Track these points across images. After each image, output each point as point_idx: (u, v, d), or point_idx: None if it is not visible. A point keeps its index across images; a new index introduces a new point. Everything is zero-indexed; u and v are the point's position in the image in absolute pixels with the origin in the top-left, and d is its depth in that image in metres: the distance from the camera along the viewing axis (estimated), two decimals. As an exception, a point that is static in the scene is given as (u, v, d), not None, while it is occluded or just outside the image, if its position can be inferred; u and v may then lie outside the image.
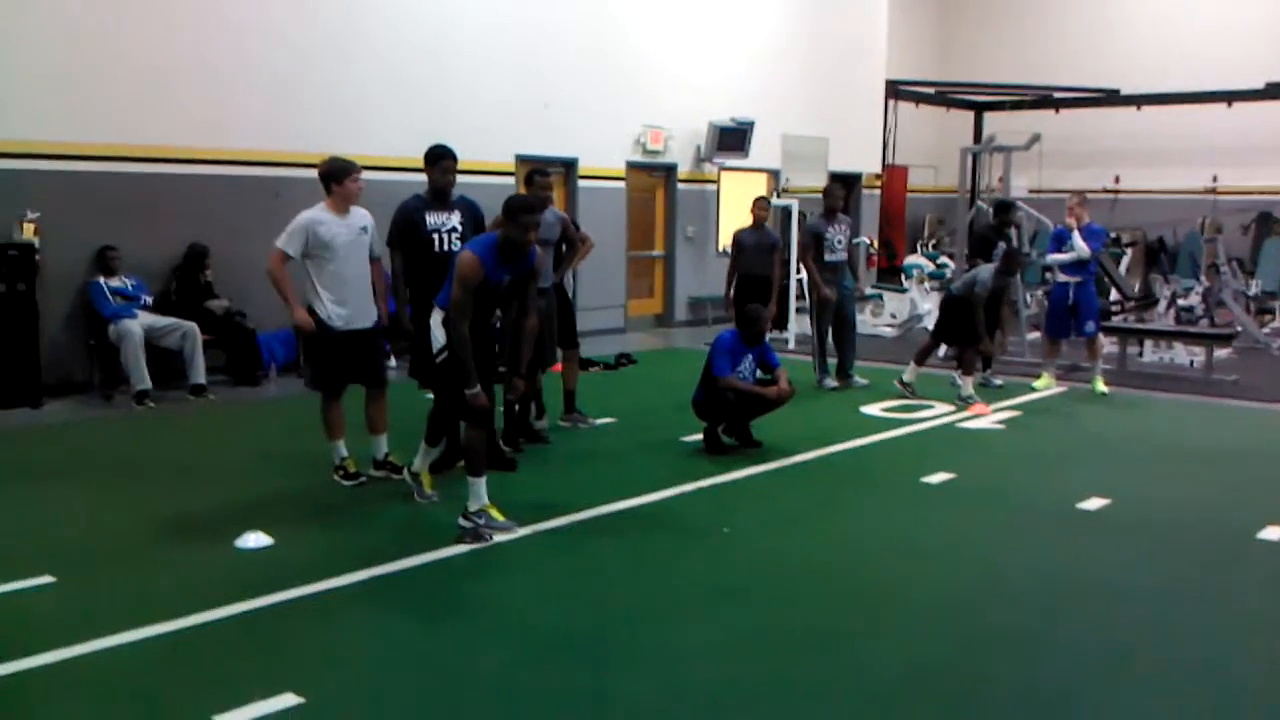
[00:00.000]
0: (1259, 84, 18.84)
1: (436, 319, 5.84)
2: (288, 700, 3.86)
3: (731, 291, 10.47)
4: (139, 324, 9.50)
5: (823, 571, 5.45)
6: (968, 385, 9.74)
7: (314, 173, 6.77)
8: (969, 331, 9.73)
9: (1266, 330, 14.50)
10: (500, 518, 5.87)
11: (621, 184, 14.86)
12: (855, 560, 5.66)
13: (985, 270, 9.81)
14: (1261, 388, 10.82)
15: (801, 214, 13.45)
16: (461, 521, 5.78)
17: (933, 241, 20.35)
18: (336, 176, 6.61)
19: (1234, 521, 6.29)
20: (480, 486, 5.82)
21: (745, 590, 5.17)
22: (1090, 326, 10.47)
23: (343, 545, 5.70)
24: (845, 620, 4.80)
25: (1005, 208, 11.55)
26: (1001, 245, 10.68)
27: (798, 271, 13.04)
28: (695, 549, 5.81)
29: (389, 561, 5.36)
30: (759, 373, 7.95)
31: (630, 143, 14.87)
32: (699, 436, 7.97)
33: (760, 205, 10.70)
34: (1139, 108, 20.36)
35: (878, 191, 20.17)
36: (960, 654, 4.45)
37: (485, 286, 5.68)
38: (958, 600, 5.07)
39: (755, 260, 10.42)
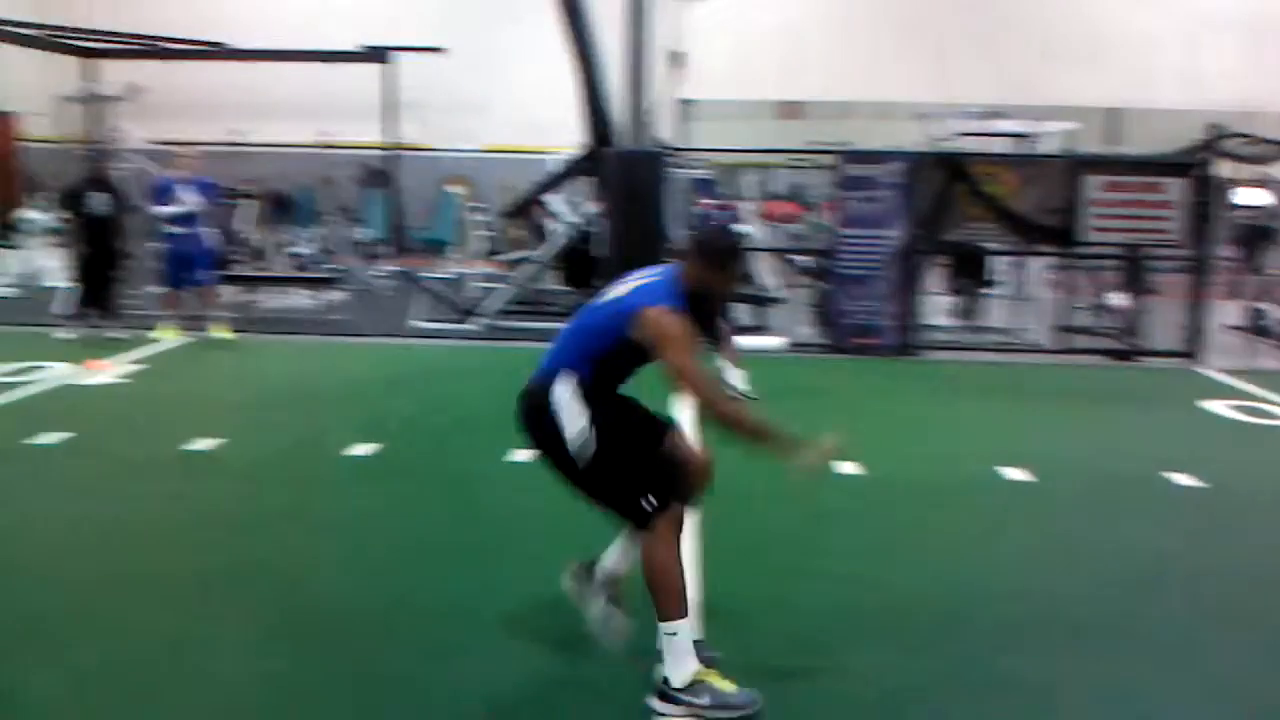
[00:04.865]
0: (358, 46, 20.47)
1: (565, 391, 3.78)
2: None
3: None
4: None
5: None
6: (71, 333, 9.75)
7: None
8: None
9: (378, 273, 16.05)
10: (729, 687, 3.69)
11: None
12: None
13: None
14: (367, 324, 12.13)
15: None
16: (657, 706, 3.69)
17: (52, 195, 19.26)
18: None
19: (323, 446, 7.08)
20: (684, 633, 3.69)
21: None
22: (204, 275, 10.83)
23: None
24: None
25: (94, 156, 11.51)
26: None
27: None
28: None
29: None
30: None
31: None
32: None
33: None
34: (248, 62, 20.92)
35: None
36: None
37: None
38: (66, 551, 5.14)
39: None
